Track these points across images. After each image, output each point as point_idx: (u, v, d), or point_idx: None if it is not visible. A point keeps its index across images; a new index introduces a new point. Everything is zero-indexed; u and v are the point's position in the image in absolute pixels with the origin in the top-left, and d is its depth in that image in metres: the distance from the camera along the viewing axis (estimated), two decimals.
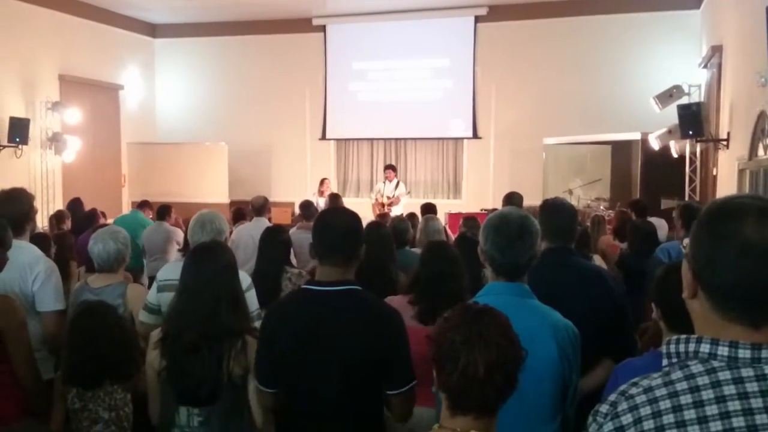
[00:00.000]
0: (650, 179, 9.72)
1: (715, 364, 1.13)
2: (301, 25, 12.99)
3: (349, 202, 11.00)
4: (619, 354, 2.68)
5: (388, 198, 10.85)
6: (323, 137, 13.26)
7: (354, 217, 2.46)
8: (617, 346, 2.77)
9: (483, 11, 12.17)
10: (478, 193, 12.10)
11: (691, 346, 1.16)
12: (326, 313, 2.29)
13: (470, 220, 5.79)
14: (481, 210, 9.96)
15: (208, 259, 2.73)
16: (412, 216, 6.40)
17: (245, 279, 3.51)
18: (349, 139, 13.37)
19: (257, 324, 3.24)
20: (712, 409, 1.09)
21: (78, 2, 11.56)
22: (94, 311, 2.93)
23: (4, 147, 9.88)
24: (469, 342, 1.57)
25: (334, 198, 8.04)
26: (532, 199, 7.55)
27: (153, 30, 13.84)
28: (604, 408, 1.22)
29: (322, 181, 11.14)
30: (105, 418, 2.86)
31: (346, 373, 2.26)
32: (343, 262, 2.35)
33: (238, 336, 2.62)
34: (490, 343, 1.57)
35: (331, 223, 2.41)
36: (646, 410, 1.14)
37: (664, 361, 1.20)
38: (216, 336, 2.60)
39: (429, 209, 6.75)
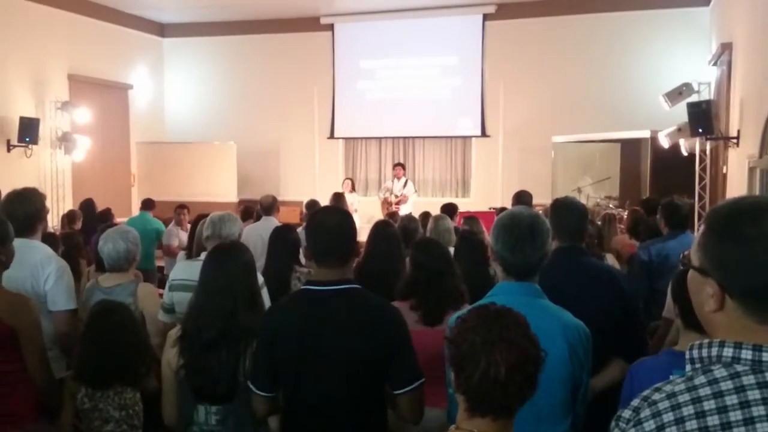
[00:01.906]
0: (660, 177, 9.68)
1: (739, 368, 1.12)
2: (310, 23, 13.00)
3: (358, 201, 11.04)
4: (630, 353, 2.68)
5: (396, 197, 10.84)
6: (332, 136, 13.27)
7: (345, 216, 2.47)
8: (628, 345, 2.76)
9: (491, 9, 12.14)
10: (487, 192, 12.07)
11: (714, 351, 1.15)
12: (327, 313, 2.29)
13: (470, 219, 5.78)
14: (490, 208, 9.94)
15: (227, 258, 2.75)
16: (426, 215, 6.33)
17: (257, 278, 3.52)
18: (357, 138, 13.38)
19: None
20: (735, 415, 1.08)
21: (87, 2, 11.60)
22: (111, 311, 2.95)
23: (15, 147, 9.94)
24: (489, 343, 1.55)
25: (336, 198, 8.01)
26: (541, 198, 7.55)
27: (162, 29, 13.88)
28: (626, 413, 1.21)
29: (344, 182, 11.40)
30: (116, 417, 2.87)
31: (350, 372, 2.26)
32: (339, 262, 2.35)
33: (255, 336, 2.63)
34: (512, 344, 1.54)
35: (324, 224, 2.40)
36: (668, 416, 1.13)
37: (687, 367, 1.19)
38: (234, 334, 2.61)
39: (449, 209, 6.63)
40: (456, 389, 1.61)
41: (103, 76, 11.97)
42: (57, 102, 10.80)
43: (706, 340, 1.17)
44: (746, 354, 1.12)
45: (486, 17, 12.26)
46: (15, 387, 2.73)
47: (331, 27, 13.09)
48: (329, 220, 2.41)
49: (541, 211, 2.68)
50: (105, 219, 7.43)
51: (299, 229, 4.67)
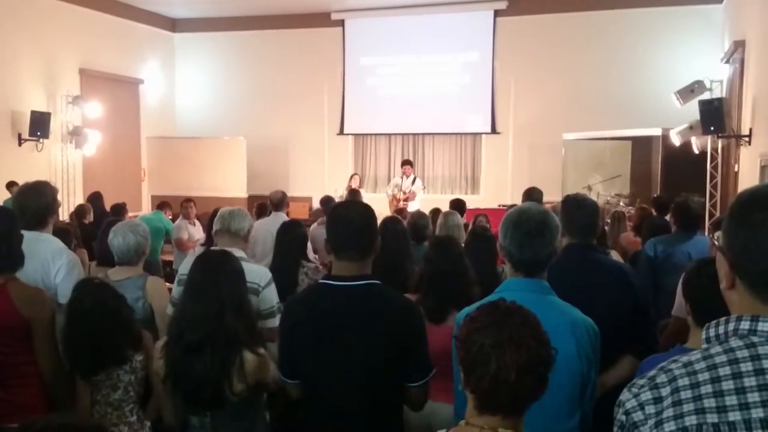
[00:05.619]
0: (671, 175, 9.63)
1: (755, 339, 1.14)
2: (320, 19, 13.01)
3: (366, 197, 11.02)
4: (640, 350, 2.67)
5: (404, 193, 10.81)
6: (341, 132, 13.28)
7: (367, 210, 2.41)
8: (638, 342, 2.75)
9: (503, 5, 12.12)
10: (497, 189, 12.06)
11: (731, 326, 1.18)
12: (345, 309, 2.27)
13: (480, 215, 5.79)
14: (499, 206, 9.92)
15: (213, 264, 2.71)
16: (436, 212, 6.31)
17: (266, 274, 3.52)
18: (367, 134, 13.38)
19: (277, 318, 3.25)
20: (750, 381, 1.11)
21: None
22: (80, 300, 2.93)
23: (26, 140, 10.00)
24: (499, 345, 1.52)
25: (351, 194, 8.00)
26: (551, 195, 7.52)
27: (173, 24, 13.91)
28: (641, 381, 1.23)
29: (352, 177, 11.47)
30: (125, 381, 2.90)
31: (367, 367, 2.25)
32: (359, 256, 2.32)
33: (240, 345, 2.56)
34: (522, 346, 1.51)
35: (345, 217, 2.36)
36: (684, 381, 1.16)
37: (704, 345, 1.22)
38: (220, 338, 2.54)
39: (458, 205, 6.62)
40: (465, 388, 1.60)
41: (114, 70, 12.02)
42: (68, 96, 10.85)
43: (722, 318, 1.21)
44: (763, 326, 1.14)
45: (497, 13, 12.23)
46: (28, 379, 2.76)
47: (341, 23, 13.09)
48: (349, 213, 2.37)
49: (550, 207, 2.66)
50: (117, 213, 7.46)
51: (313, 226, 4.66)
